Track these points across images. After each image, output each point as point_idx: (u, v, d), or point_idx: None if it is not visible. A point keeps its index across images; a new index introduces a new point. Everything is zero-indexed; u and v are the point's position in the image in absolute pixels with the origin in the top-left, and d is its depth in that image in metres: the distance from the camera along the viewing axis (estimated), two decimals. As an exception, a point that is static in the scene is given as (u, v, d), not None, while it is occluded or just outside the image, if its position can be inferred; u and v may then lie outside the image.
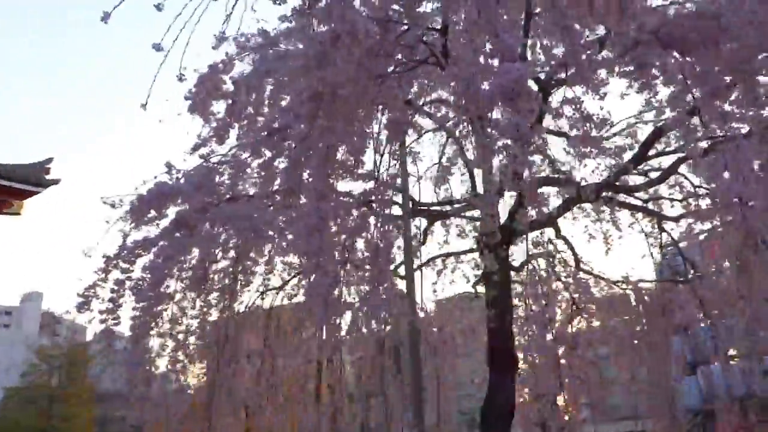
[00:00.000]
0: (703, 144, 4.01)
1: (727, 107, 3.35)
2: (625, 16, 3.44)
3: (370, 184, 4.28)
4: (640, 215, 9.78)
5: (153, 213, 6.70)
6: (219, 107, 7.19)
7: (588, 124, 3.49)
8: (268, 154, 5.01)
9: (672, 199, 9.26)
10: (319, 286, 3.48)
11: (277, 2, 3.67)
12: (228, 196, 6.14)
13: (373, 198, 4.08)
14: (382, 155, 3.93)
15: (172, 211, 6.88)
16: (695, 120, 4.25)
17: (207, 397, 6.85)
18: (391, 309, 3.99)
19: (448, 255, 10.41)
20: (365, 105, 3.90)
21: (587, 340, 11.64)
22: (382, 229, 3.93)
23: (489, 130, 2.76)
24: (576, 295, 11.24)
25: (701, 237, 9.30)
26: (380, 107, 4.17)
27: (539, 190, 8.40)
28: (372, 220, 4.16)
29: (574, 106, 3.23)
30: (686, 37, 3.58)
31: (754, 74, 3.17)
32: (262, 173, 4.91)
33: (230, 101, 6.96)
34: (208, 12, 4.81)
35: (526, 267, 10.83)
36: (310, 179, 4.10)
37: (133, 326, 5.70)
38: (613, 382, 11.72)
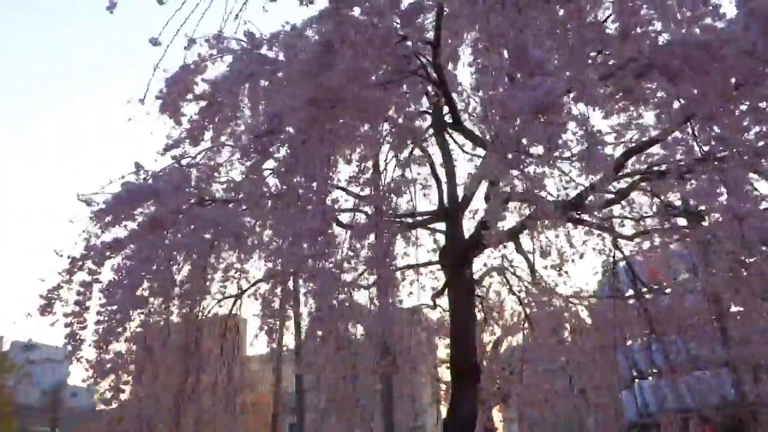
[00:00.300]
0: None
1: (718, 129, 3.55)
2: (627, 41, 3.62)
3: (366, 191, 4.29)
4: (594, 233, 10.15)
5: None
6: (189, 109, 7.11)
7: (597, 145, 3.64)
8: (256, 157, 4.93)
9: (624, 218, 9.69)
10: (325, 290, 3.45)
11: (304, 3, 3.65)
12: (203, 198, 6.02)
13: (376, 205, 4.09)
14: (387, 162, 3.94)
15: (138, 213, 6.72)
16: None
17: (174, 404, 6.61)
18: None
19: (409, 267, 10.49)
20: (372, 111, 3.92)
21: (536, 352, 12.02)
22: (386, 236, 3.95)
23: (513, 142, 2.84)
24: (527, 309, 11.59)
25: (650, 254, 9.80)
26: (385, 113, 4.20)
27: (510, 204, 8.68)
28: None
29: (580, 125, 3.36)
30: (677, 65, 3.79)
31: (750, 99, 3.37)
32: (252, 176, 4.83)
33: (206, 103, 6.87)
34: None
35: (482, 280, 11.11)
36: (308, 183, 4.07)
37: (102, 331, 5.47)
38: (560, 395, 12.05)
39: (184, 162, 6.60)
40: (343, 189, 4.87)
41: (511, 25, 2.74)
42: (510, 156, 2.85)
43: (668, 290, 9.95)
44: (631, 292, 10.86)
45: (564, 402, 11.78)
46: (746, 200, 3.44)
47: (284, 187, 4.56)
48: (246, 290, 9.70)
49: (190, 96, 7.10)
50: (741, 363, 7.76)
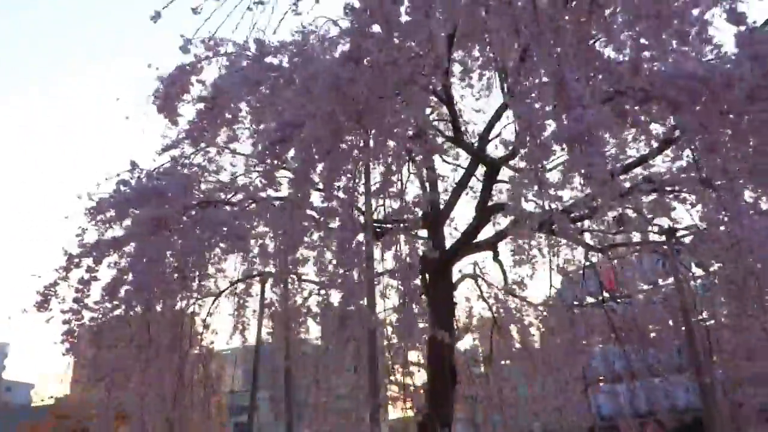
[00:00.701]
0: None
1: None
2: (639, 72, 3.93)
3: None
4: (564, 242, 10.59)
5: (112, 213, 6.50)
6: (185, 109, 7.14)
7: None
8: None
9: (592, 231, 10.15)
10: (353, 295, 3.62)
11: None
12: (205, 201, 6.08)
13: (399, 217, 4.28)
14: (411, 173, 4.13)
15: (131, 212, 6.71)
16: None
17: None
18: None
19: (386, 272, 10.68)
20: (393, 125, 4.11)
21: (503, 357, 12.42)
22: (409, 248, 4.14)
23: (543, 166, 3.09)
24: (497, 315, 11.96)
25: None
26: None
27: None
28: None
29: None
30: (678, 95, 4.13)
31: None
32: (264, 181, 4.95)
33: (207, 106, 6.91)
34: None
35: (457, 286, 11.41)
36: (333, 192, 4.24)
37: (99, 329, 5.48)
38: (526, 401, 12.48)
39: (183, 162, 6.65)
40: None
41: (550, 58, 2.99)
42: (539, 177, 3.10)
43: (630, 299, 10.44)
44: (589, 299, 11.39)
45: (529, 404, 12.22)
46: (748, 229, 3.79)
47: (297, 194, 4.70)
48: (225, 290, 9.77)
49: (186, 96, 7.15)
50: (708, 373, 8.29)
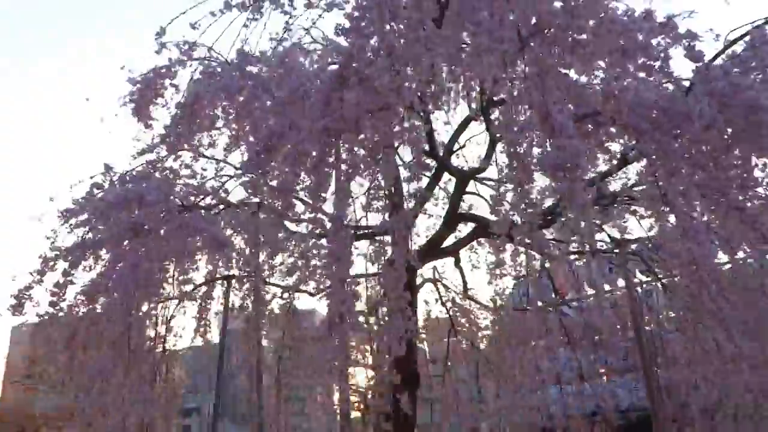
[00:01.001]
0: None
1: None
2: (610, 100, 4.30)
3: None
4: (522, 250, 11.06)
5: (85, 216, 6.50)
6: (158, 113, 7.17)
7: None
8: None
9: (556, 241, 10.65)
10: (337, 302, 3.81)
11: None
12: (184, 206, 6.15)
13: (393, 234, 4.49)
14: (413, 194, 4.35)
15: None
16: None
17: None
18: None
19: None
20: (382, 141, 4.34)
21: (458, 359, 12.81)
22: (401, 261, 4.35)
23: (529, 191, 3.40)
24: (454, 318, 12.34)
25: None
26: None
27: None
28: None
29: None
30: (640, 123, 4.52)
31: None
32: (248, 190, 5.10)
33: (182, 110, 6.94)
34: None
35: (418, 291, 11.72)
36: (320, 205, 4.43)
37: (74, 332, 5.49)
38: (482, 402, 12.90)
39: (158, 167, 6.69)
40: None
41: (536, 90, 3.29)
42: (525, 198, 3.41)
43: (581, 303, 10.98)
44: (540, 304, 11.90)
45: (484, 406, 12.65)
46: (704, 247, 4.20)
47: (281, 204, 4.88)
48: (194, 289, 9.80)
49: (159, 100, 7.17)
50: (655, 376, 8.83)
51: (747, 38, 4.91)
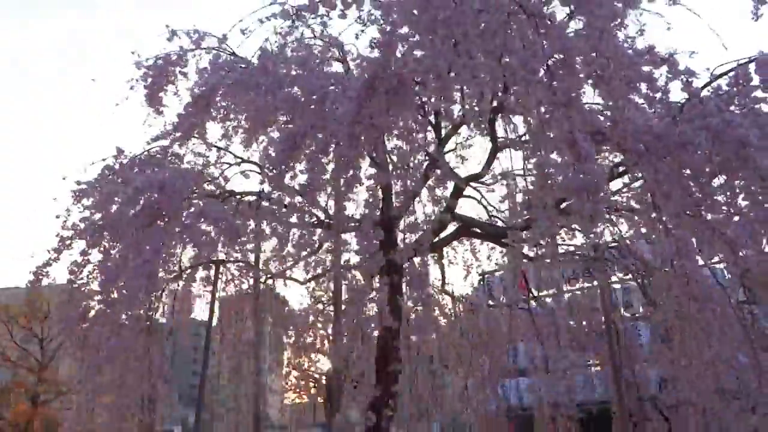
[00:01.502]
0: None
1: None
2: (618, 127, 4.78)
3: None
4: (498, 250, 11.61)
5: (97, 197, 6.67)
6: (169, 100, 7.34)
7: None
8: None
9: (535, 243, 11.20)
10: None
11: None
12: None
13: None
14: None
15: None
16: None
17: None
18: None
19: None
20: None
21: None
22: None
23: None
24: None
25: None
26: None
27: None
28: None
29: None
30: (639, 147, 5.02)
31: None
32: (272, 183, 5.42)
33: (196, 101, 7.13)
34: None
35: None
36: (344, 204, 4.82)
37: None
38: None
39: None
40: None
41: (564, 119, 3.73)
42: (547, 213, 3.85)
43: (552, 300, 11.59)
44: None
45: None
46: (693, 261, 4.73)
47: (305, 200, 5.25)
48: (185, 270, 9.99)
49: (171, 87, 7.34)
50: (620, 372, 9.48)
51: (731, 74, 5.47)
